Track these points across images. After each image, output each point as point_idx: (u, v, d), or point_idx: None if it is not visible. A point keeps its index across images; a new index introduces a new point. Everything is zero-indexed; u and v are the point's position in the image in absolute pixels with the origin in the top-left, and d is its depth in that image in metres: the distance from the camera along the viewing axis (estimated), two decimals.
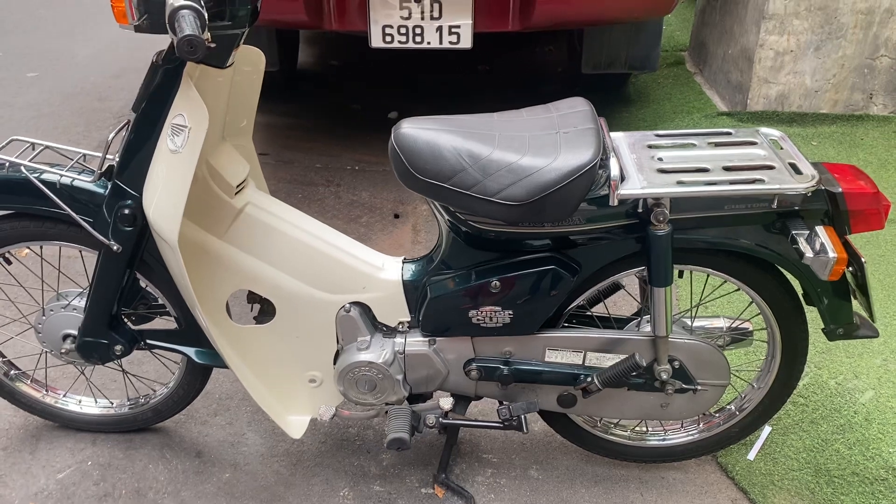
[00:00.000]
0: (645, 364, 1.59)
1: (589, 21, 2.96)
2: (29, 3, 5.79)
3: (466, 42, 2.85)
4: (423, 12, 2.80)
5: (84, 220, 1.57)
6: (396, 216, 3.03)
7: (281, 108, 3.98)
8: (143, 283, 1.74)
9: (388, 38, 2.86)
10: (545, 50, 4.86)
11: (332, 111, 3.99)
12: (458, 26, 2.82)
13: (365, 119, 3.89)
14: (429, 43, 2.86)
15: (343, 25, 2.92)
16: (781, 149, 1.53)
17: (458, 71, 4.49)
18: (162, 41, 1.37)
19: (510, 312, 1.58)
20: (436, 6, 2.78)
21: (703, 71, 4.04)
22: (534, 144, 1.44)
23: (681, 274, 1.66)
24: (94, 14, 5.57)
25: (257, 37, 3.30)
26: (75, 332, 1.74)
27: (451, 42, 2.86)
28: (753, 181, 1.41)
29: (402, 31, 2.84)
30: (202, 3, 1.25)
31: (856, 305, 1.57)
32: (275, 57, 3.40)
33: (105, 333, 1.71)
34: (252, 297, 1.76)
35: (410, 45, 2.86)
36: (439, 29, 2.83)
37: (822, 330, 1.60)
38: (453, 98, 4.11)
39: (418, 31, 2.84)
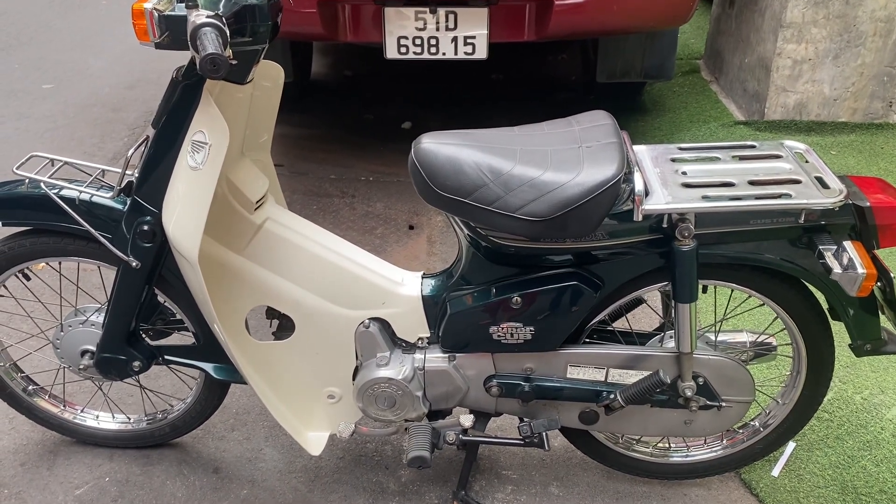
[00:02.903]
0: (669, 381, 1.57)
1: (605, 31, 2.95)
2: (43, 15, 5.83)
3: (482, 52, 2.84)
4: (438, 23, 2.79)
5: (103, 236, 1.56)
6: (411, 227, 3.02)
7: (295, 120, 3.98)
8: (161, 298, 1.73)
9: (403, 49, 2.85)
10: (558, 58, 4.85)
11: (346, 122, 3.99)
12: (474, 37, 2.81)
13: (378, 129, 3.89)
14: (444, 54, 2.85)
15: (358, 37, 2.92)
16: (807, 162, 1.51)
17: (471, 80, 4.49)
18: (179, 53, 1.37)
19: (531, 328, 1.56)
20: (451, 17, 2.78)
21: (719, 79, 4.02)
22: (556, 159, 1.42)
23: (704, 289, 1.64)
24: (107, 25, 5.60)
25: (271, 48, 3.29)
26: (93, 348, 1.73)
27: (466, 53, 2.85)
28: (780, 195, 1.39)
29: (417, 42, 2.83)
30: (224, 20, 1.25)
31: (883, 320, 1.55)
32: (288, 68, 3.39)
33: (123, 349, 1.70)
34: (271, 313, 1.75)
35: (425, 56, 2.85)
36: (454, 40, 2.82)
37: (849, 345, 1.57)
38: (467, 107, 4.10)
39: (433, 41, 2.83)
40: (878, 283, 1.47)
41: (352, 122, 3.99)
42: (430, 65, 4.63)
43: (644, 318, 2.31)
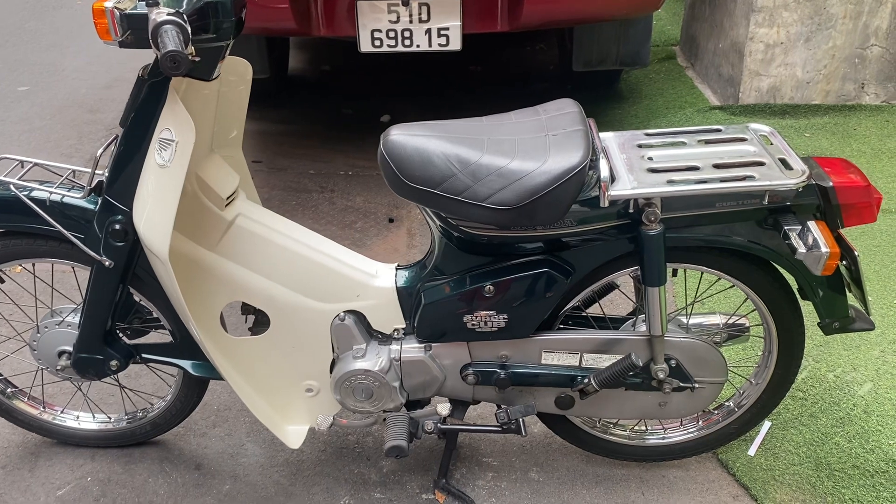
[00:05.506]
0: (641, 364, 1.59)
1: (578, 20, 2.96)
2: (17, 16, 5.78)
3: (456, 44, 2.84)
4: (411, 15, 2.79)
5: (75, 236, 1.56)
6: (391, 221, 3.02)
7: (273, 115, 3.97)
8: (136, 297, 1.73)
9: (378, 43, 2.86)
10: (536, 48, 4.86)
11: (325, 116, 3.99)
12: (447, 28, 2.81)
13: (357, 123, 3.89)
14: (418, 46, 2.85)
15: (332, 31, 2.92)
16: (771, 144, 1.53)
17: (449, 72, 4.49)
18: (149, 52, 1.37)
19: (505, 316, 1.57)
20: (424, 9, 2.78)
21: (695, 65, 4.04)
22: (523, 148, 1.43)
23: (674, 272, 1.66)
24: (82, 26, 5.56)
25: (247, 45, 3.29)
26: (70, 349, 1.73)
27: (440, 44, 2.85)
28: (744, 178, 1.41)
29: (391, 34, 2.84)
30: (185, 17, 1.25)
31: (851, 298, 1.57)
32: (265, 64, 3.40)
33: (100, 349, 1.70)
34: (246, 309, 1.75)
35: (400, 48, 2.86)
36: (428, 31, 2.82)
37: (818, 324, 1.60)
38: (445, 100, 4.11)
39: (407, 34, 2.83)
40: (844, 262, 1.50)
41: (330, 116, 3.99)
42: (408, 57, 4.64)
43: (622, 303, 2.33)
